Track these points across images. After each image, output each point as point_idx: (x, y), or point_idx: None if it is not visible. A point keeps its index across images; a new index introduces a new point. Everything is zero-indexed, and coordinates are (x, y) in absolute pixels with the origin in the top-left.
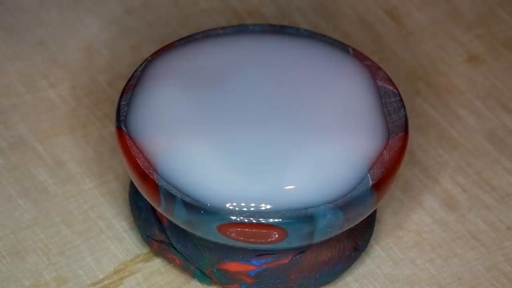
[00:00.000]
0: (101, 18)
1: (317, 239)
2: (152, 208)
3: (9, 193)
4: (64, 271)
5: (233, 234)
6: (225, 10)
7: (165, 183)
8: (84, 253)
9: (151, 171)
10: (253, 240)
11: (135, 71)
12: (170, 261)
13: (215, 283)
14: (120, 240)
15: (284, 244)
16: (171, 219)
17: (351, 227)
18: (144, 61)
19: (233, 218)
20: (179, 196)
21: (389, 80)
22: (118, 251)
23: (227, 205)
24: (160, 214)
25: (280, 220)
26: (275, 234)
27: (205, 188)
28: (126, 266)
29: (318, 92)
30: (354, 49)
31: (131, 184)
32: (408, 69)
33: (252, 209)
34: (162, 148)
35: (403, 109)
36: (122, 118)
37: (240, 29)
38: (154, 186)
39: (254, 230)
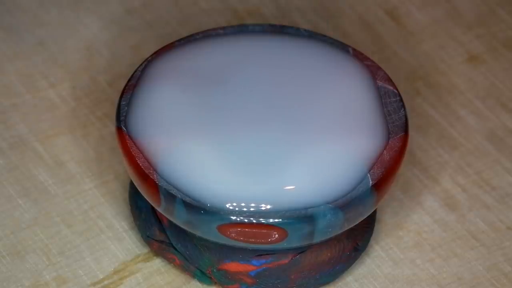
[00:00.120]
0: (101, 18)
1: (317, 239)
2: (152, 208)
3: (9, 193)
4: (64, 271)
5: (233, 234)
6: (225, 10)
7: (165, 183)
8: (84, 253)
9: (151, 171)
10: (253, 240)
11: (135, 71)
12: (170, 261)
13: (215, 283)
14: (120, 240)
15: (284, 244)
16: (171, 219)
17: (351, 227)
18: (144, 61)
19: (233, 218)
20: (179, 196)
21: (389, 80)
22: (118, 251)
23: (227, 205)
24: (160, 214)
25: (280, 220)
26: (275, 234)
27: (205, 188)
28: (126, 266)
29: (318, 92)
30: (354, 49)
31: (131, 184)
32: (408, 69)
33: (252, 209)
34: (162, 148)
35: (403, 109)
36: (122, 118)
37: (240, 29)
38: (154, 186)
39: (254, 230)
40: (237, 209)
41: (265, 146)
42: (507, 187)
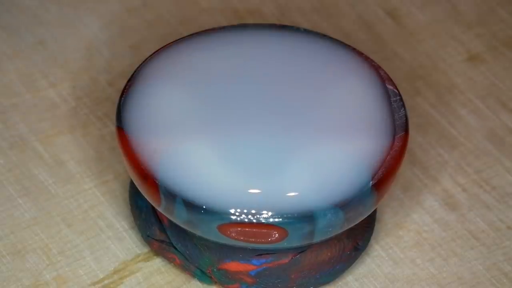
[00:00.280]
0: (101, 17)
1: (317, 238)
2: (152, 207)
3: (9, 193)
4: (64, 271)
5: (233, 234)
6: (226, 10)
7: (165, 182)
8: (84, 253)
9: (151, 171)
10: (253, 239)
11: (135, 71)
12: (170, 260)
13: (215, 282)
14: (120, 239)
15: (284, 244)
16: (171, 218)
17: (351, 226)
18: (144, 60)
19: (233, 217)
20: (179, 195)
21: (389, 80)
22: (118, 251)
23: (227, 205)
24: (160, 213)
25: (280, 219)
26: (275, 234)
27: (205, 187)
28: (126, 265)
29: (319, 92)
30: (354, 49)
31: (131, 183)
32: (408, 68)
33: (252, 209)
34: (163, 148)
35: (403, 108)
36: (122, 117)
37: (240, 29)
38: (154, 185)
39: (254, 229)
40: (237, 208)
41: (265, 146)
42: (507, 187)
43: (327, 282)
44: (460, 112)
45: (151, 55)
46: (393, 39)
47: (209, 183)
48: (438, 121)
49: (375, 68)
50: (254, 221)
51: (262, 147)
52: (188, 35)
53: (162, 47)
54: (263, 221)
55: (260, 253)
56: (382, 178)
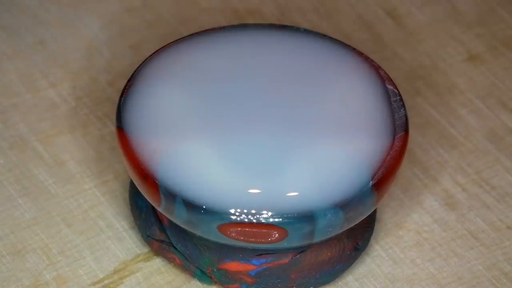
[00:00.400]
0: (101, 17)
1: (317, 238)
2: (152, 207)
3: (9, 193)
4: (64, 271)
5: (233, 234)
6: (226, 10)
7: (165, 182)
8: (84, 253)
9: (151, 171)
10: (253, 239)
11: (135, 71)
12: (170, 260)
13: (215, 282)
14: (120, 239)
15: (284, 244)
16: (171, 218)
17: (351, 226)
18: (144, 60)
19: (233, 217)
20: (179, 195)
21: (389, 80)
22: (118, 251)
23: (227, 205)
24: (160, 213)
25: (280, 219)
26: (275, 234)
27: (205, 187)
28: (126, 265)
29: (319, 91)
30: (354, 49)
31: (131, 183)
32: (408, 69)
33: (252, 209)
34: (163, 148)
35: (403, 108)
36: (122, 117)
37: (240, 29)
38: (154, 185)
39: (254, 229)
40: (237, 208)
41: (265, 145)
42: (507, 187)
43: (327, 282)
44: (460, 112)
45: (151, 55)
46: (393, 39)
47: (209, 183)
48: (438, 121)
49: (375, 68)
50: (254, 221)
51: (262, 147)
52: (188, 35)
53: (162, 47)
54: (263, 221)
55: (260, 253)
56: (382, 178)
